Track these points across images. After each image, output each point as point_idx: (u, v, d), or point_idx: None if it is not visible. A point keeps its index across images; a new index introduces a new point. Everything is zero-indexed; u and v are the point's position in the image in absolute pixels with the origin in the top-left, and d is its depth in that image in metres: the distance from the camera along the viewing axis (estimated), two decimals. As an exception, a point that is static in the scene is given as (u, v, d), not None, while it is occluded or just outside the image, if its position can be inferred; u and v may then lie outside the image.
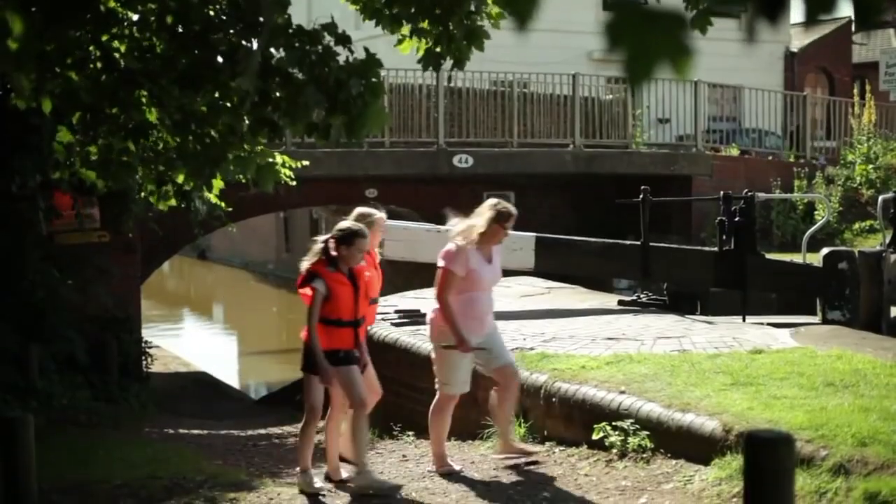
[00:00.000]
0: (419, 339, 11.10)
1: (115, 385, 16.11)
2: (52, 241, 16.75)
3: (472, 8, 8.69)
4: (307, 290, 8.05)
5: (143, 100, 7.75)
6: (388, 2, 8.82)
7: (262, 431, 15.04)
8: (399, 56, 9.85)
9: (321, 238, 8.12)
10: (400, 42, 9.13)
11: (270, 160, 8.64)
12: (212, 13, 7.46)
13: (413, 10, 8.63)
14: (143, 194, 10.13)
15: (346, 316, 8.10)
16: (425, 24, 8.73)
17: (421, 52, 8.95)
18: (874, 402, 7.62)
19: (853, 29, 37.53)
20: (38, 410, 11.88)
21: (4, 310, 14.35)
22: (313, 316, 7.99)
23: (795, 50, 37.19)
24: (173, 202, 9.24)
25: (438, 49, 8.79)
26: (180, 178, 8.62)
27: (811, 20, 2.10)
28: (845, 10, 2.21)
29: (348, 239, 8.02)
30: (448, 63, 9.01)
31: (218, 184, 8.85)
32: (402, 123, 22.32)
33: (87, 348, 15.69)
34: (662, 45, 2.00)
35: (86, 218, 16.83)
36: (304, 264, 8.10)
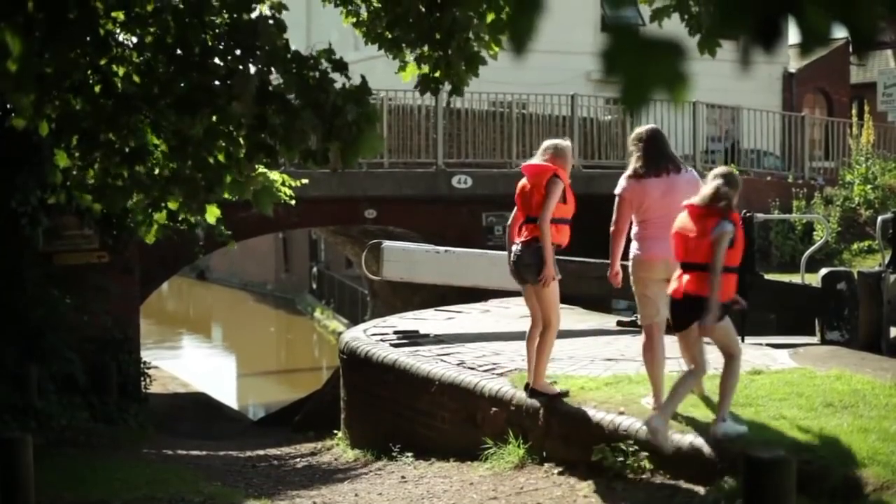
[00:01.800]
0: (418, 360, 11.10)
1: (114, 406, 16.12)
2: (51, 261, 16.77)
3: (471, 34, 8.75)
4: (724, 233, 7.48)
5: (141, 125, 7.78)
6: (390, 26, 8.88)
7: (261, 452, 15.01)
8: (398, 77, 9.90)
9: (714, 182, 7.68)
10: (402, 68, 9.19)
11: (267, 183, 8.66)
12: (210, 37, 7.49)
13: (413, 35, 8.69)
14: (136, 222, 10.13)
15: (739, 262, 7.81)
16: (425, 50, 8.80)
17: (418, 77, 9.02)
18: (873, 423, 7.61)
19: (850, 56, 37.66)
20: (36, 431, 11.89)
21: (4, 329, 14.35)
22: (719, 261, 7.47)
23: (794, 71, 37.28)
24: (160, 233, 9.26)
25: (437, 74, 8.85)
26: (173, 205, 8.64)
27: (806, 52, 2.12)
28: (842, 33, 2.22)
29: (736, 183, 7.76)
30: (446, 87, 9.08)
31: (213, 211, 8.85)
32: (401, 144, 22.35)
33: (86, 369, 15.70)
34: (659, 72, 2.01)
35: (84, 238, 16.86)
36: (701, 202, 7.63)
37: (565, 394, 9.03)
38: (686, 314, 7.72)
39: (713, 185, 7.72)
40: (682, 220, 7.78)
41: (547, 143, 9.24)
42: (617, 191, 8.69)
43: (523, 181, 9.12)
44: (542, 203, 8.83)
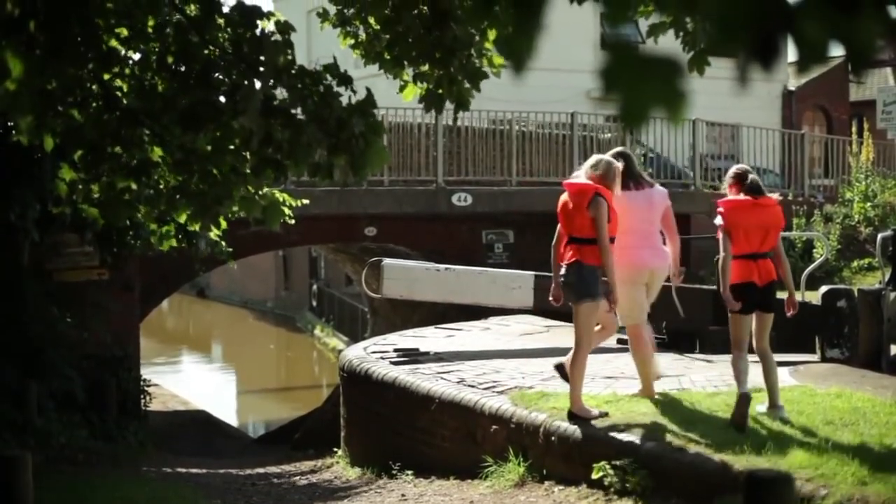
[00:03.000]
0: (418, 378, 11.09)
1: (114, 423, 16.09)
2: (51, 278, 16.76)
3: (472, 51, 8.75)
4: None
5: (146, 138, 7.78)
6: (389, 45, 8.89)
7: (261, 470, 14.99)
8: (399, 94, 9.91)
9: (753, 175, 8.82)
10: (403, 88, 9.19)
11: (276, 199, 8.67)
12: (213, 53, 7.50)
13: (414, 54, 8.69)
14: (145, 233, 10.11)
15: None
16: (426, 68, 8.79)
17: (422, 94, 9.00)
18: (874, 441, 7.61)
19: (849, 74, 37.68)
20: (36, 449, 11.86)
21: (3, 346, 14.33)
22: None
23: (793, 88, 37.34)
24: (174, 243, 9.26)
25: (440, 91, 8.84)
26: (182, 218, 8.65)
27: (804, 70, 2.14)
28: (840, 51, 2.24)
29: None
30: (450, 105, 9.08)
31: (222, 224, 8.87)
32: (402, 162, 22.37)
33: (86, 386, 15.67)
34: (657, 90, 2.02)
35: (85, 255, 16.86)
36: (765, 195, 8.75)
37: (605, 414, 8.80)
38: (768, 297, 8.74)
39: (756, 179, 8.80)
40: (756, 217, 8.65)
41: (596, 157, 9.11)
42: None
43: (564, 198, 8.91)
44: (587, 225, 8.60)
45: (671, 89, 2.01)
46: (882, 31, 2.15)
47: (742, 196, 8.68)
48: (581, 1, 7.83)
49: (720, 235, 8.72)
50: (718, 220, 8.71)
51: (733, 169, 9.06)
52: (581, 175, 8.94)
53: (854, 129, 26.60)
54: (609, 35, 30.62)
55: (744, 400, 8.27)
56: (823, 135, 32.15)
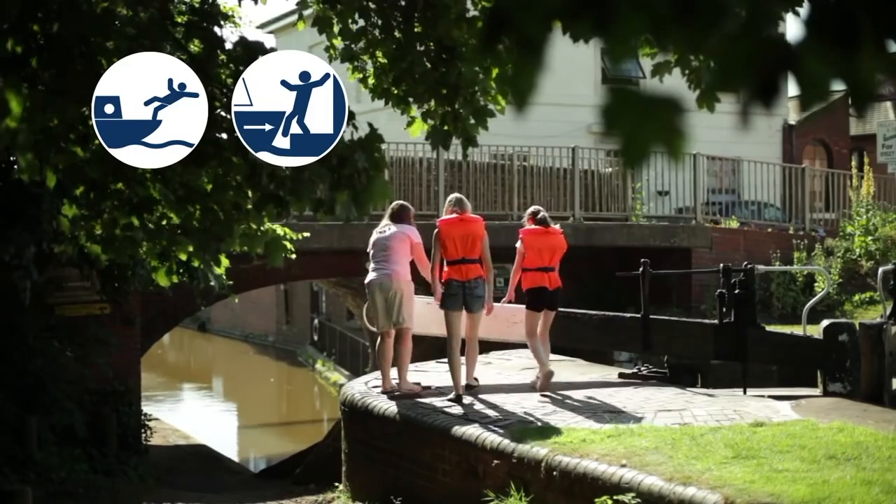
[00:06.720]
0: (419, 412, 11.07)
1: (114, 458, 16.05)
2: (52, 312, 16.76)
3: (476, 88, 8.77)
4: None
5: (147, 175, 7.79)
6: (396, 81, 8.91)
7: (262, 505, 14.93)
8: (399, 129, 9.93)
9: (543, 213, 12.39)
10: (410, 124, 9.20)
11: (278, 235, 8.66)
12: (216, 90, 7.52)
13: (420, 90, 8.71)
14: (147, 268, 10.07)
15: None
16: (432, 105, 8.81)
17: (428, 131, 9.00)
18: (876, 476, 7.58)
19: (850, 109, 37.79)
20: (36, 483, 11.84)
21: (3, 380, 14.31)
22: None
23: (794, 122, 37.42)
24: (176, 278, 9.24)
25: (446, 127, 8.85)
26: (183, 256, 8.64)
27: (806, 107, 2.15)
28: (841, 87, 2.25)
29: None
30: (457, 140, 9.09)
31: (224, 261, 8.86)
32: (403, 196, 22.35)
33: (87, 420, 15.64)
34: (657, 130, 2.03)
35: (86, 290, 16.85)
36: (549, 227, 12.18)
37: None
38: (555, 299, 12.03)
39: (545, 216, 12.24)
40: (545, 241, 11.96)
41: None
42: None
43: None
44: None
45: (671, 127, 2.02)
46: (882, 68, 2.16)
47: (535, 226, 12.03)
48: (584, 39, 7.84)
49: (518, 254, 11.98)
50: (518, 244, 12.01)
51: (531, 208, 12.64)
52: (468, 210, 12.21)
53: (854, 162, 26.64)
54: (611, 73, 30.74)
55: (549, 375, 11.82)
56: (824, 169, 32.20)
